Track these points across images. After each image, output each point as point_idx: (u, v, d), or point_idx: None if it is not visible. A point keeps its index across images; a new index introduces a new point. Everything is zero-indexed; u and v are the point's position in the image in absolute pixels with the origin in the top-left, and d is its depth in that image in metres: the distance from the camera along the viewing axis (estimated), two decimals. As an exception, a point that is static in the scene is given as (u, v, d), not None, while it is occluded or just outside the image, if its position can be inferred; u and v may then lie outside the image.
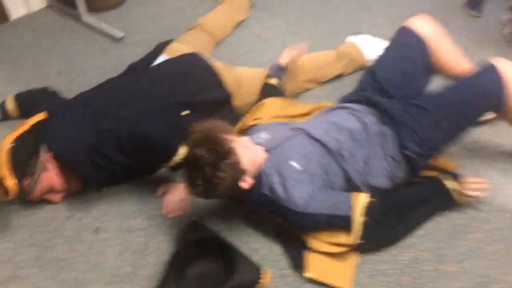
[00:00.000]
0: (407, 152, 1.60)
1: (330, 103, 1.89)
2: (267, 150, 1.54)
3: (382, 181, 1.60)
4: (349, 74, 2.29)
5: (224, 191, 1.41)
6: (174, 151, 1.61)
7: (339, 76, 2.27)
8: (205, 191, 1.41)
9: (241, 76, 2.02)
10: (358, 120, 1.64)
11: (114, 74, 2.09)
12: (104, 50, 2.55)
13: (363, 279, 1.49)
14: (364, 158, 1.57)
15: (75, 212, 1.74)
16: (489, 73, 1.63)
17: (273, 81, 1.99)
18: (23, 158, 1.58)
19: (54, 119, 1.71)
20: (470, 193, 1.62)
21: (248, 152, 1.46)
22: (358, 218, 1.45)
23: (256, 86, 2.02)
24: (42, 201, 1.74)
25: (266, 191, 1.46)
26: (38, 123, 1.68)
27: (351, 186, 1.57)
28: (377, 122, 1.64)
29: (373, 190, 1.56)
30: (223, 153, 1.37)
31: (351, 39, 2.38)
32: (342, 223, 1.47)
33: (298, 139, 1.57)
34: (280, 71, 2.03)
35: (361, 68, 2.28)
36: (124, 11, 2.86)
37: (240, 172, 1.43)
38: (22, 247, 1.63)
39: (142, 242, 1.63)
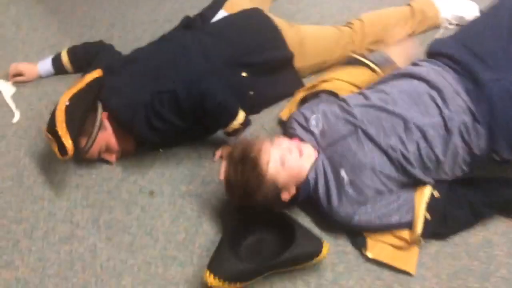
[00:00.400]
0: (495, 156, 1.40)
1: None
2: (319, 146, 1.45)
3: (454, 172, 1.44)
4: (419, 34, 2.09)
5: (265, 203, 1.38)
6: (234, 115, 1.53)
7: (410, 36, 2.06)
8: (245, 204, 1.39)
9: (304, 35, 1.88)
10: (438, 109, 1.40)
11: (168, 27, 2.01)
12: (157, 2, 2.44)
13: (428, 261, 1.40)
14: (435, 157, 1.39)
15: (130, 173, 1.71)
16: None
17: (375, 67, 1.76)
18: (80, 116, 1.54)
19: (111, 76, 1.66)
20: None
21: (288, 167, 1.38)
22: (421, 215, 1.35)
23: (322, 46, 1.89)
24: (97, 161, 1.73)
25: (311, 194, 1.43)
26: (95, 80, 1.62)
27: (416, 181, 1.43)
28: (464, 110, 1.39)
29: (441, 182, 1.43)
30: (257, 181, 1.32)
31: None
32: (400, 227, 1.38)
33: (354, 143, 1.41)
34: (386, 61, 1.76)
35: (433, 27, 2.10)
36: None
37: (277, 189, 1.38)
38: (79, 207, 1.63)
39: (196, 208, 1.59)
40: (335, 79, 1.70)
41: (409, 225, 1.37)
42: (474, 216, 1.41)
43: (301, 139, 1.49)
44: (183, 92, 1.51)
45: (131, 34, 2.27)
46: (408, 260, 1.39)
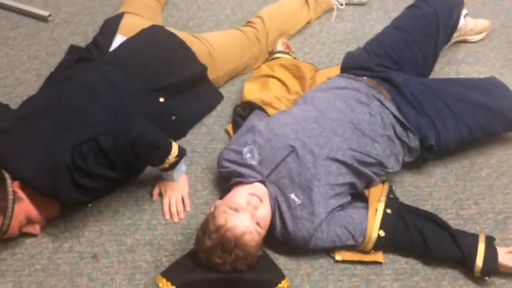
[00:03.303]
0: (425, 142, 1.50)
1: (335, 68, 1.75)
2: (262, 177, 1.39)
3: (393, 163, 1.50)
4: (317, 19, 2.13)
5: None
6: (168, 151, 1.41)
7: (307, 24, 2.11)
8: None
9: (211, 44, 1.79)
10: (366, 106, 1.48)
11: (53, 62, 1.77)
12: (31, 35, 2.14)
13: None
14: (376, 151, 1.44)
15: (63, 241, 1.49)
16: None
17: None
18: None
19: (8, 138, 1.40)
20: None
21: (263, 222, 1.33)
22: (373, 237, 1.36)
23: (231, 52, 1.83)
24: (18, 237, 1.47)
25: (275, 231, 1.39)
26: (-11, 148, 1.36)
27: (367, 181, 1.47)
28: (390, 112, 1.49)
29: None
30: (247, 259, 1.24)
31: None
32: (355, 247, 1.40)
33: (295, 162, 1.38)
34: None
35: (328, 10, 2.14)
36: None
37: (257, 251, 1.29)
38: (13, 298, 1.38)
39: (150, 258, 1.45)
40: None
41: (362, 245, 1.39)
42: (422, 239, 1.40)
43: (243, 179, 1.41)
44: (106, 141, 1.33)
45: (11, 78, 1.96)
46: (375, 251, 1.41)
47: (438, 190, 1.58)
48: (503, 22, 2.11)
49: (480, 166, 1.64)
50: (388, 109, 1.49)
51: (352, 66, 1.66)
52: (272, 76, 1.76)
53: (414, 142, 1.50)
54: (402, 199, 1.53)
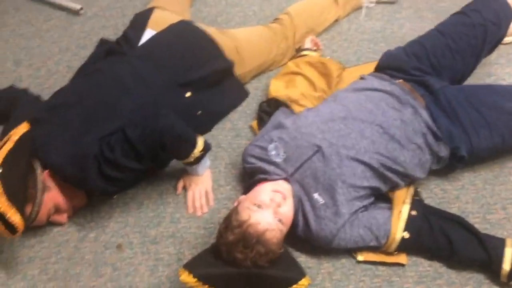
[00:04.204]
0: (457, 152, 1.45)
1: (370, 65, 1.71)
2: (286, 175, 1.39)
3: (419, 171, 1.47)
4: (345, 17, 2.12)
5: None
6: (194, 145, 1.42)
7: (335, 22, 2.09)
8: None
9: (238, 41, 1.80)
10: (398, 112, 1.45)
11: (84, 54, 1.80)
12: (63, 27, 2.19)
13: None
14: (404, 158, 1.41)
15: (89, 231, 1.52)
16: None
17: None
18: (18, 183, 1.32)
19: (40, 128, 1.44)
20: None
21: (285, 219, 1.32)
22: (397, 239, 1.34)
23: (258, 49, 1.83)
24: (46, 226, 1.51)
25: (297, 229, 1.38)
26: (23, 136, 1.40)
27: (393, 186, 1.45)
28: (423, 120, 1.46)
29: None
30: (268, 254, 1.23)
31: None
32: (379, 248, 1.38)
33: (320, 162, 1.37)
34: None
35: (358, 8, 2.12)
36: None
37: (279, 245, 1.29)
38: (40, 284, 1.42)
39: (173, 251, 1.46)
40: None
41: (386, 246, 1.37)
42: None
43: (267, 176, 1.41)
44: (134, 132, 1.35)
45: (43, 69, 2.02)
46: (398, 253, 1.39)
47: (466, 193, 1.54)
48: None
49: (510, 170, 1.59)
50: (421, 116, 1.46)
51: (389, 66, 1.62)
52: (299, 73, 1.75)
53: (444, 152, 1.46)
54: (428, 201, 1.50)
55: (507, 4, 1.59)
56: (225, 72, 1.73)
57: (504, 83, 1.83)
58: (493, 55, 1.90)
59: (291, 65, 1.81)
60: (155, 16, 1.77)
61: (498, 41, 1.66)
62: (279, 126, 1.48)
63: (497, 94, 1.54)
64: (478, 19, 1.59)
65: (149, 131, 1.35)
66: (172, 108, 1.49)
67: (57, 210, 1.46)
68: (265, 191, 1.35)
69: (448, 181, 1.57)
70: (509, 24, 1.66)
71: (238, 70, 1.79)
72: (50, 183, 1.42)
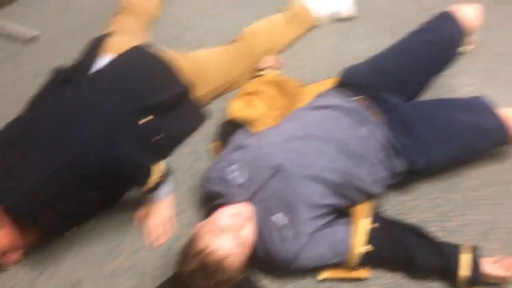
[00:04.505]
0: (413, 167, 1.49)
1: (328, 82, 1.73)
2: (247, 196, 1.38)
3: (378, 187, 1.49)
4: (302, 35, 2.16)
5: None
6: (153, 170, 1.40)
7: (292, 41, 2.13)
8: None
9: (198, 62, 1.81)
10: (357, 129, 1.48)
11: (38, 82, 1.74)
12: (16, 55, 2.12)
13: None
14: (362, 173, 1.43)
15: (41, 270, 1.46)
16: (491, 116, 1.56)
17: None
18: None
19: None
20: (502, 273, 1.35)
21: (246, 243, 1.31)
22: (359, 250, 1.35)
23: (219, 69, 1.85)
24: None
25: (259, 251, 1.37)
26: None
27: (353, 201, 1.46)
28: (380, 128, 1.50)
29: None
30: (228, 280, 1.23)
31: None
32: (340, 264, 1.38)
33: (280, 182, 1.37)
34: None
35: (314, 26, 2.17)
36: (22, 4, 2.40)
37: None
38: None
39: (133, 284, 1.42)
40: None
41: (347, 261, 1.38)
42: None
43: (228, 199, 1.40)
44: (89, 162, 1.32)
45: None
46: (360, 267, 1.40)
47: (423, 203, 1.58)
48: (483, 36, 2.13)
49: (464, 178, 1.64)
50: (379, 133, 1.49)
51: (348, 82, 1.65)
52: (258, 93, 1.76)
53: (402, 166, 1.49)
54: (387, 213, 1.52)
55: (460, 22, 1.65)
56: (183, 95, 1.73)
57: (461, 91, 1.89)
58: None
59: (251, 85, 1.82)
60: (112, 41, 1.76)
61: (453, 57, 1.71)
62: (239, 147, 1.48)
63: (453, 108, 1.58)
64: (434, 36, 1.65)
65: (105, 159, 1.32)
66: (130, 133, 1.47)
67: (8, 250, 1.40)
68: (225, 215, 1.33)
69: (405, 193, 1.60)
70: (462, 40, 1.71)
71: (199, 92, 1.79)
72: (4, 220, 1.37)
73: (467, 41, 1.93)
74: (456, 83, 1.93)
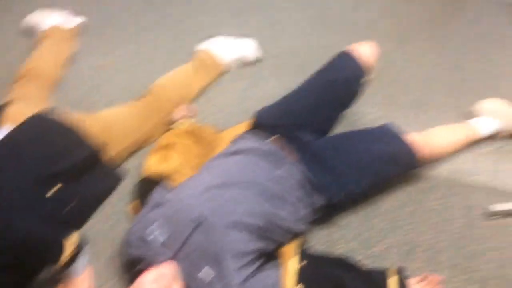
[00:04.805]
0: (331, 200, 1.53)
1: (242, 126, 1.75)
2: (170, 255, 1.34)
3: (300, 225, 1.52)
4: (212, 82, 2.19)
5: None
6: (61, 247, 1.31)
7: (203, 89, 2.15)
8: None
9: (106, 121, 1.76)
10: (274, 170, 1.50)
11: None
12: None
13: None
14: (281, 214, 1.44)
15: None
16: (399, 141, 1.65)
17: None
18: None
19: None
20: None
21: None
22: None
23: (129, 126, 1.81)
24: None
25: None
26: None
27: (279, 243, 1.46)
28: (297, 168, 1.53)
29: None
30: None
31: (203, 45, 2.26)
32: None
33: (202, 235, 1.34)
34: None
35: (223, 72, 2.21)
36: None
37: None
38: None
39: None
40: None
41: None
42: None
43: (150, 262, 1.35)
44: None
45: None
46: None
47: (347, 233, 1.62)
48: (383, 65, 2.28)
49: (381, 202, 1.71)
50: (296, 171, 1.52)
51: (261, 124, 1.68)
52: (173, 145, 1.75)
53: (321, 201, 1.53)
54: (314, 248, 1.55)
55: (357, 60, 1.75)
56: (93, 158, 1.66)
57: (368, 119, 2.00)
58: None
59: (165, 138, 1.80)
60: (11, 110, 1.66)
61: (357, 92, 1.80)
62: (158, 204, 1.44)
63: (363, 139, 1.67)
64: (335, 75, 1.74)
65: (9, 241, 1.22)
66: (34, 209, 1.38)
67: None
68: (147, 281, 1.28)
69: (329, 225, 1.64)
70: (363, 76, 1.81)
71: (111, 152, 1.73)
72: None
73: (368, 74, 2.07)
74: (362, 111, 2.04)
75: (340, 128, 1.84)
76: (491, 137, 1.90)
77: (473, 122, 1.89)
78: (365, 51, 1.78)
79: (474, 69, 2.28)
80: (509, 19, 2.60)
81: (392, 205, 1.70)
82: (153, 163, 1.70)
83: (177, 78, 2.07)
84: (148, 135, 1.89)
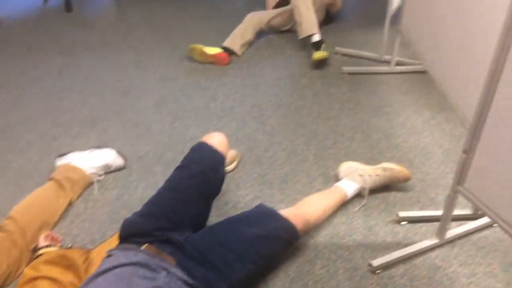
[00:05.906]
0: None
1: (114, 239, 1.65)
2: None
3: None
4: (78, 197, 2.07)
5: None
6: None
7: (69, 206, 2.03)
8: None
9: None
10: (153, 281, 1.40)
11: None
12: None
13: None
14: None
15: None
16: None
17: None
18: None
19: None
20: None
21: None
22: None
23: None
24: None
25: None
26: None
27: None
28: (178, 278, 1.44)
29: None
30: None
31: (60, 161, 2.18)
32: None
33: None
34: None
35: (88, 185, 2.12)
36: None
37: None
38: None
39: None
40: None
41: None
42: None
43: None
44: None
45: None
46: None
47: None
48: (247, 146, 2.39)
49: (272, 280, 1.70)
50: (175, 276, 1.43)
51: (130, 233, 1.58)
52: (39, 277, 1.57)
53: None
54: None
55: (212, 147, 1.79)
56: None
57: (242, 203, 2.03)
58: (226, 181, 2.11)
59: (29, 271, 1.60)
60: None
61: (221, 181, 1.82)
62: None
63: (240, 224, 1.66)
64: (197, 168, 1.73)
65: None
66: None
67: None
68: None
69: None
70: (224, 164, 1.85)
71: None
72: None
73: (228, 159, 2.14)
74: (234, 196, 2.08)
75: (218, 217, 1.83)
76: (359, 195, 2.04)
77: (340, 184, 2.02)
78: (215, 139, 1.84)
79: (328, 135, 2.49)
80: (350, 87, 2.95)
81: (284, 281, 1.69)
82: None
83: (38, 201, 1.92)
84: (11, 270, 1.69)
